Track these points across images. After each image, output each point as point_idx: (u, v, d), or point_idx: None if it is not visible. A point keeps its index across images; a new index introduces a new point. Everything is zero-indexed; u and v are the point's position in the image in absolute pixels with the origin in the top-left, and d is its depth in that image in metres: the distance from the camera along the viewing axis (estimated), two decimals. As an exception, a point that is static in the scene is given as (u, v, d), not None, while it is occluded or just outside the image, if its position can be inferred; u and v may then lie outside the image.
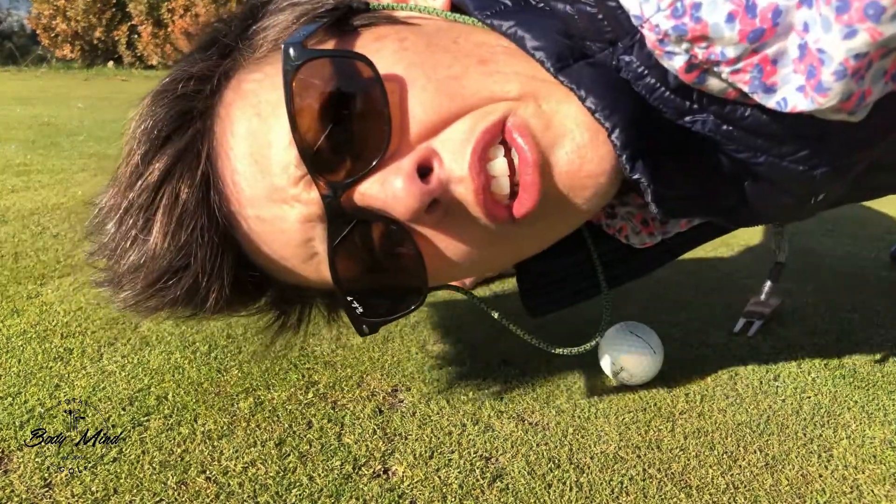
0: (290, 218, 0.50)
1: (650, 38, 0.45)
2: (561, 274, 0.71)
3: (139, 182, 0.50)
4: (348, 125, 0.47)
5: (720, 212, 0.59)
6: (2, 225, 1.36)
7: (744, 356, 0.92)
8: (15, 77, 7.40)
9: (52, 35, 10.06)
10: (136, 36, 9.74)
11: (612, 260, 0.71)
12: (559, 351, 0.69)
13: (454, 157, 0.47)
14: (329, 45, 0.51)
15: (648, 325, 0.84)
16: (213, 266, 0.51)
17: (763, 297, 0.69)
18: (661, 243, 0.69)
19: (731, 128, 0.50)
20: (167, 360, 0.84)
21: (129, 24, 9.78)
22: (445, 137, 0.47)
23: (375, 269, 0.53)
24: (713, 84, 0.46)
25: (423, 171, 0.47)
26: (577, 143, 0.48)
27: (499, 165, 0.48)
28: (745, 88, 0.45)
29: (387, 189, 0.46)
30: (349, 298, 0.54)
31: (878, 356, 0.93)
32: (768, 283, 0.69)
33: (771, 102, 0.45)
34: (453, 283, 0.73)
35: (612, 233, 0.68)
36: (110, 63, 9.99)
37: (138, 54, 9.79)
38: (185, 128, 0.51)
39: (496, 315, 0.70)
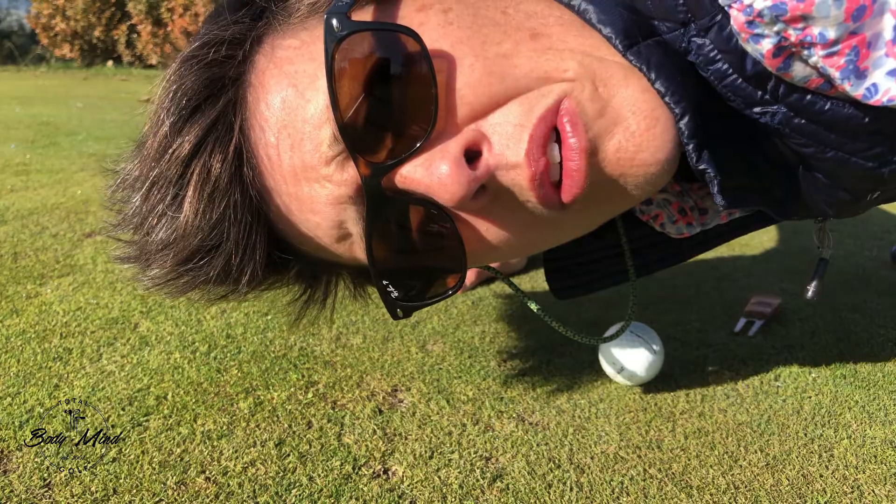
0: (322, 198, 0.47)
1: (738, 18, 0.42)
2: (589, 257, 0.69)
3: (168, 154, 0.47)
4: (392, 103, 0.45)
5: (772, 203, 0.56)
6: (1, 225, 1.36)
7: (744, 356, 0.92)
8: (14, 76, 7.39)
9: (52, 34, 10.05)
10: (135, 35, 9.73)
11: (644, 247, 0.69)
12: (586, 340, 0.69)
13: (507, 142, 0.44)
14: (369, 13, 0.48)
15: (649, 325, 0.84)
16: (245, 245, 0.49)
17: (809, 295, 0.66)
18: (697, 234, 0.67)
19: (803, 121, 0.47)
20: (166, 360, 0.84)
21: (128, 23, 9.77)
22: (496, 121, 0.45)
23: (413, 253, 0.51)
24: (797, 70, 0.44)
25: (470, 154, 0.44)
26: (630, 131, 0.45)
27: (553, 152, 0.45)
28: (836, 74, 0.42)
29: (432, 174, 0.43)
30: (384, 282, 0.52)
31: (878, 356, 0.93)
32: (815, 283, 0.67)
33: (860, 90, 0.42)
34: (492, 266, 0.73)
35: (647, 220, 0.67)
36: (109, 62, 9.98)
37: (137, 54, 9.77)
38: (216, 97, 0.48)
39: (528, 301, 0.69)
